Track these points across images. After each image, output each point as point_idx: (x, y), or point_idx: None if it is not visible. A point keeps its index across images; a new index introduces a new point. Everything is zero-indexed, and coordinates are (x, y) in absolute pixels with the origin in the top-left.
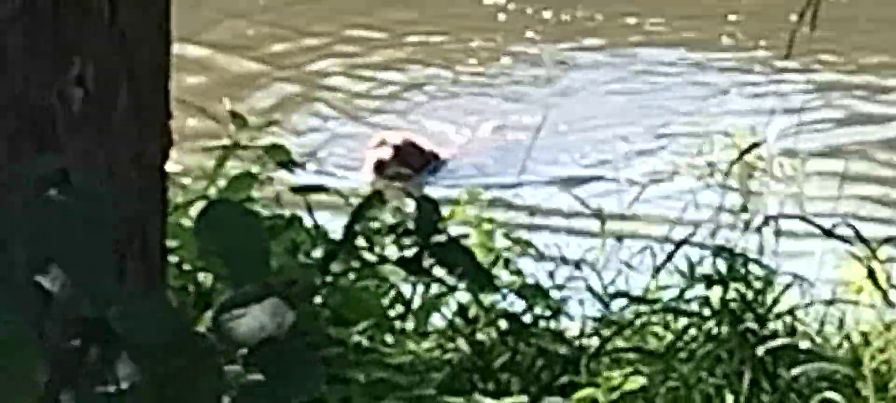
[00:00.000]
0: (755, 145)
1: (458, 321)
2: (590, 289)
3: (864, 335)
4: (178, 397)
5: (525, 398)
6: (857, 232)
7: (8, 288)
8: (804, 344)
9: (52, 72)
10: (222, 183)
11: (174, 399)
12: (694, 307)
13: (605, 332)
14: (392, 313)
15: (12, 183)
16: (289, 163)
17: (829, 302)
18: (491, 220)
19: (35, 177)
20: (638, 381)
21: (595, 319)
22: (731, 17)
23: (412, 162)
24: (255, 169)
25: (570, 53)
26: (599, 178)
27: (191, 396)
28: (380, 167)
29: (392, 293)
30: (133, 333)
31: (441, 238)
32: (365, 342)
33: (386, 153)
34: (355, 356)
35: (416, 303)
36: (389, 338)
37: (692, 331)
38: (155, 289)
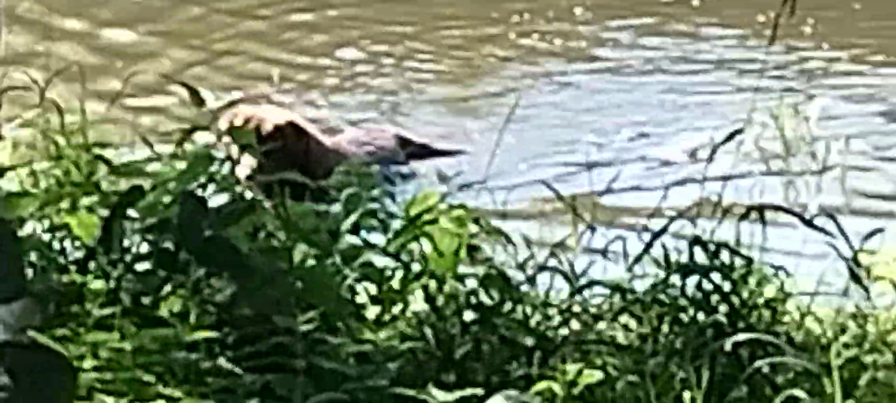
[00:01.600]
0: (737, 132)
1: (422, 309)
2: (564, 275)
3: (839, 330)
4: None
5: (480, 390)
6: (839, 226)
7: None
8: (773, 338)
9: None
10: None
11: None
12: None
13: (575, 322)
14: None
15: None
16: (250, 146)
17: (807, 295)
18: (462, 206)
19: None
20: (594, 375)
21: (562, 310)
22: None
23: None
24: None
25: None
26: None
27: None
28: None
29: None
30: None
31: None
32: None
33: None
34: (303, 345)
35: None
36: (349, 325)
37: (665, 323)
38: None
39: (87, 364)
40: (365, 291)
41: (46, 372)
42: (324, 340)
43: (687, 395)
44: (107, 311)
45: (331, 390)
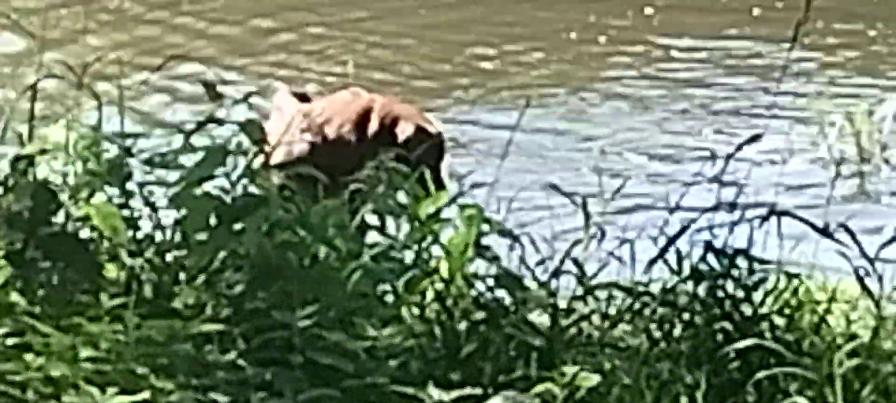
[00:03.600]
0: (755, 138)
1: (432, 307)
2: (577, 277)
3: (847, 338)
4: None
5: (483, 390)
6: (853, 235)
7: None
8: (774, 345)
9: None
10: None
11: None
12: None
13: (584, 324)
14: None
15: None
16: (261, 141)
17: (816, 303)
18: (475, 206)
19: None
20: (592, 378)
21: (568, 311)
22: None
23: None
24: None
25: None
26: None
27: None
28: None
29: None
30: None
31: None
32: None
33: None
34: (300, 340)
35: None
36: (355, 322)
37: (676, 328)
38: None
39: (84, 354)
40: (377, 289)
41: None
42: (321, 336)
43: (685, 400)
44: (119, 301)
45: (329, 385)
